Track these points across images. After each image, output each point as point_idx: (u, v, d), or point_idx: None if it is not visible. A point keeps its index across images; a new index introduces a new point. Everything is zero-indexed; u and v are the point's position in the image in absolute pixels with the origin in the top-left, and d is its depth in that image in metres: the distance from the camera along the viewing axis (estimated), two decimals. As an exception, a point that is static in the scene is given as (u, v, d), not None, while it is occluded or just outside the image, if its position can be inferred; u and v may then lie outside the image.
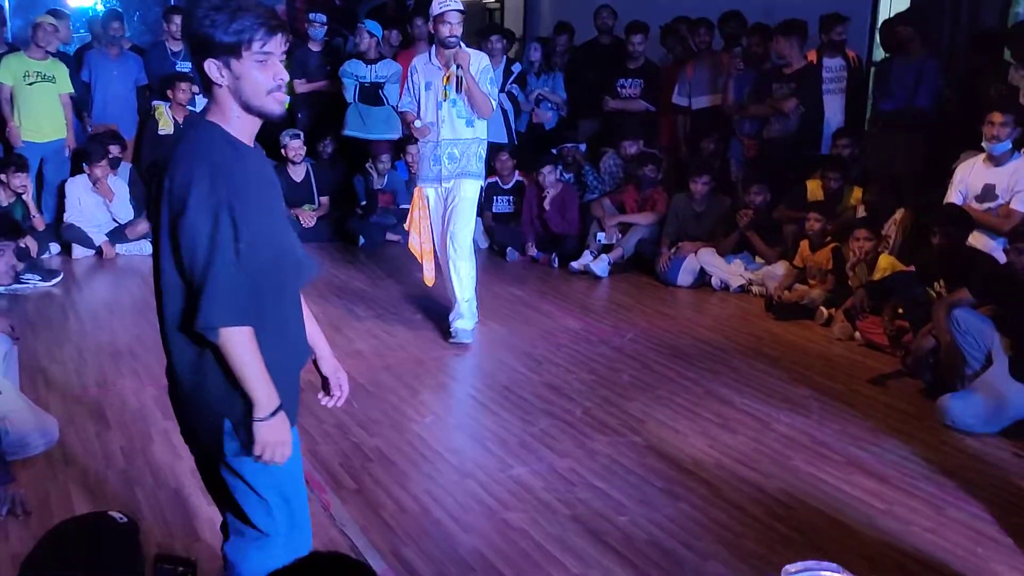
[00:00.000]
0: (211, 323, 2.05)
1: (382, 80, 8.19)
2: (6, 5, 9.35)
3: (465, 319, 5.55)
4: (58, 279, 6.57)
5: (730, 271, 6.90)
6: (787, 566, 1.57)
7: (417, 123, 5.48)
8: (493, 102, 5.43)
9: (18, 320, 4.11)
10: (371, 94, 8.22)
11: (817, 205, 6.48)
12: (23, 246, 6.04)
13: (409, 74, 5.58)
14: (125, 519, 1.76)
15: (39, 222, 7.19)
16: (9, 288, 5.44)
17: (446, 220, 5.53)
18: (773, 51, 7.24)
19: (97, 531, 1.63)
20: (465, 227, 5.52)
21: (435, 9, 5.26)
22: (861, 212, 6.49)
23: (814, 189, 6.88)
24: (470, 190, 5.52)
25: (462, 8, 5.32)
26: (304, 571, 1.53)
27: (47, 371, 4.73)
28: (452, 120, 5.39)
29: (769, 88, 7.16)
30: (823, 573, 1.49)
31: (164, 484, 3.69)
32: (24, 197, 7.03)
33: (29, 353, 4.53)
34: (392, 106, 8.27)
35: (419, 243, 5.73)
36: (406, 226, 5.93)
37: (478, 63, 5.36)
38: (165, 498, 3.57)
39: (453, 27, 5.24)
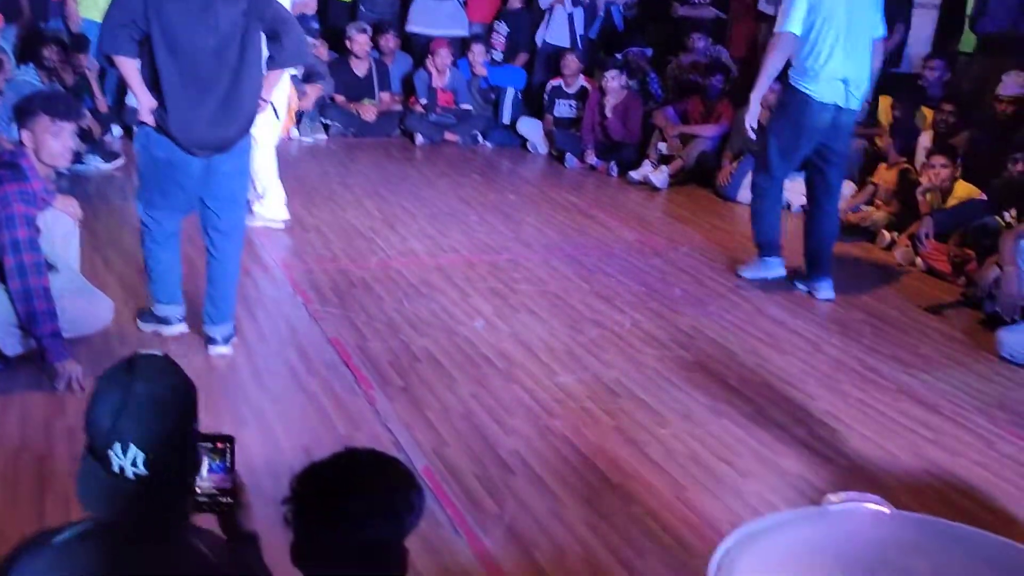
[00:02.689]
0: None
1: (449, -27, 8.03)
2: None
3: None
4: (119, 161, 6.64)
5: (792, 188, 6.72)
6: (829, 495, 1.54)
7: None
8: None
9: (79, 201, 4.15)
10: (437, -12, 8.08)
11: (893, 126, 6.26)
12: (85, 127, 6.10)
13: None
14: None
15: (102, 104, 7.23)
16: (70, 169, 5.50)
17: None
18: None
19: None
20: None
21: None
22: (926, 138, 6.25)
23: (885, 107, 6.65)
24: None
25: None
26: (340, 465, 1.54)
27: (106, 253, 4.81)
28: None
29: None
30: (866, 504, 1.47)
31: (213, 369, 3.77)
32: (88, 74, 7.06)
33: (89, 234, 4.61)
34: (459, 1, 8.12)
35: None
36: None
37: None
38: (213, 383, 3.65)
39: None
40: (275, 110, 4.72)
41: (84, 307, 3.82)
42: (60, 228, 3.93)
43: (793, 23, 4.68)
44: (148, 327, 4.04)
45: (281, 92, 5.50)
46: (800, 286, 5.12)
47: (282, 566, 1.56)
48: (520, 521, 2.90)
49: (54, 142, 3.48)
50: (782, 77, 4.94)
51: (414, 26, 8.25)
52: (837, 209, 5.22)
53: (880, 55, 5.01)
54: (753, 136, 5.04)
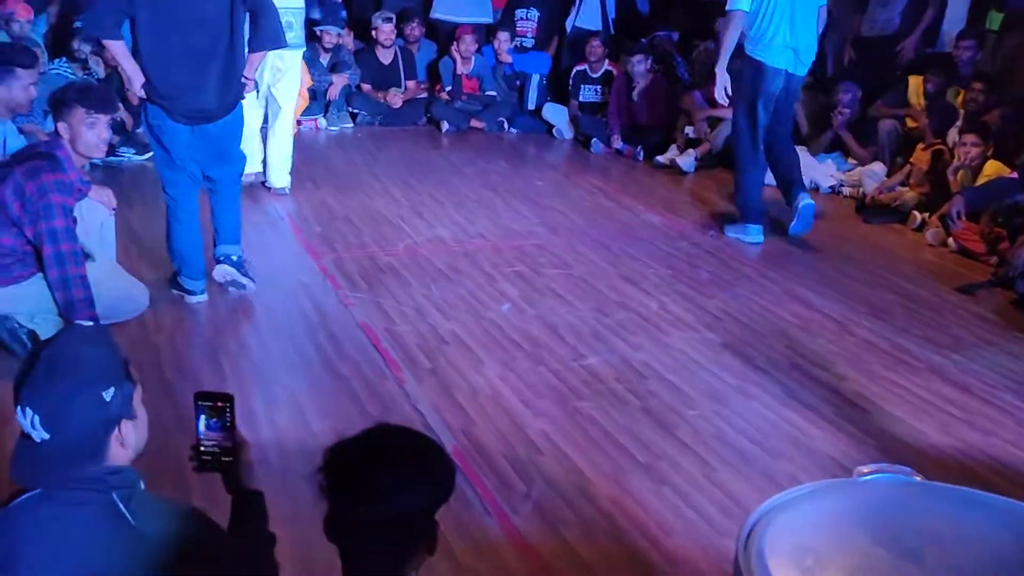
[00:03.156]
0: None
1: (472, -40, 8.04)
2: None
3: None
4: (151, 153, 6.70)
5: (821, 171, 6.70)
6: (859, 467, 1.55)
7: None
8: None
9: (113, 192, 4.23)
10: (461, -25, 8.09)
11: (930, 106, 6.20)
12: (118, 119, 6.18)
13: None
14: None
15: (134, 96, 7.30)
16: (104, 160, 5.58)
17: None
18: None
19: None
20: None
21: None
22: (959, 118, 6.19)
23: (916, 87, 6.59)
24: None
25: None
26: (372, 438, 1.57)
27: (141, 241, 4.88)
28: None
29: None
30: (896, 475, 1.48)
31: (246, 354, 3.82)
32: (120, 70, 7.13)
33: (124, 224, 4.68)
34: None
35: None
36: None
37: None
38: (246, 366, 3.70)
39: None
40: (257, 87, 5.15)
41: (120, 294, 3.90)
42: (96, 218, 4.02)
43: (742, 1, 5.13)
44: (175, 291, 4.29)
45: (293, 74, 5.88)
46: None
47: (318, 542, 1.59)
48: (548, 500, 2.92)
49: (90, 133, 3.55)
50: (738, 49, 5.35)
51: (439, 13, 8.27)
52: (790, 138, 5.77)
53: (824, 21, 5.48)
54: (726, 103, 5.54)
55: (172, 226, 4.21)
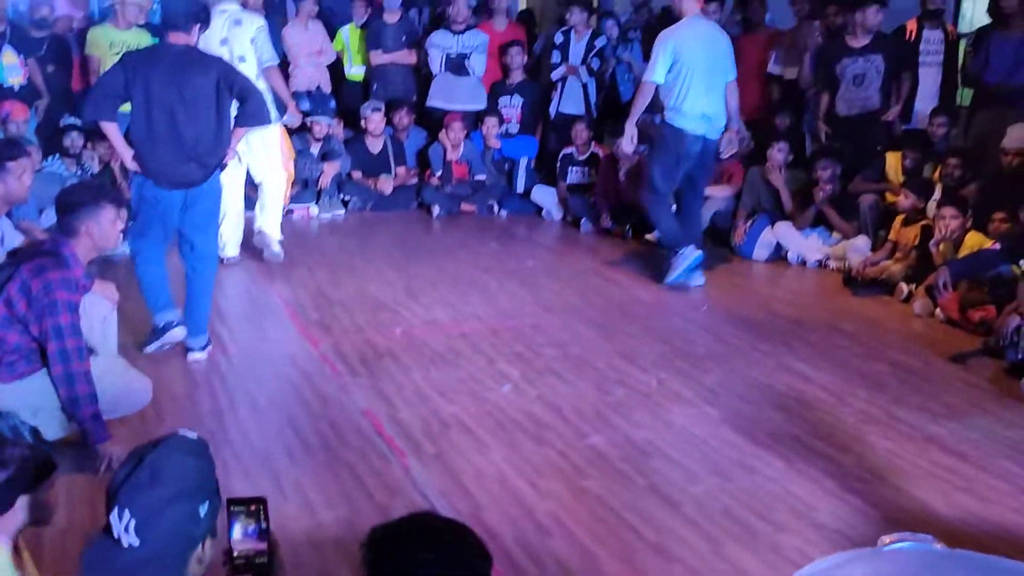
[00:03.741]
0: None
1: (468, 51, 8.27)
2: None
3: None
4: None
5: (807, 245, 6.83)
6: (883, 537, 1.59)
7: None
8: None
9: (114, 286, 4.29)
10: (457, 65, 8.30)
11: (908, 182, 6.37)
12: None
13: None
14: None
15: (126, 190, 7.40)
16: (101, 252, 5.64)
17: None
18: (862, 23, 7.01)
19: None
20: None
21: None
22: (936, 191, 6.35)
23: (894, 163, 6.76)
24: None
25: None
26: (414, 522, 1.61)
27: (141, 335, 4.90)
28: None
29: (835, 63, 7.02)
30: (919, 544, 1.52)
31: (250, 445, 3.83)
32: (112, 165, 7.25)
33: (124, 317, 4.71)
34: (478, 77, 8.35)
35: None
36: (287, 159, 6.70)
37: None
38: (251, 459, 3.71)
39: None
40: (239, 157, 5.82)
41: (123, 389, 3.92)
42: (98, 312, 4.05)
43: (656, 74, 5.81)
44: (152, 347, 4.66)
45: (271, 148, 6.41)
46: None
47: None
48: (561, 582, 2.93)
49: (114, 228, 3.67)
50: (660, 116, 6.07)
51: (435, 101, 8.47)
52: (701, 200, 6.55)
53: (735, 95, 6.09)
54: (630, 151, 6.51)
55: (139, 266, 4.67)
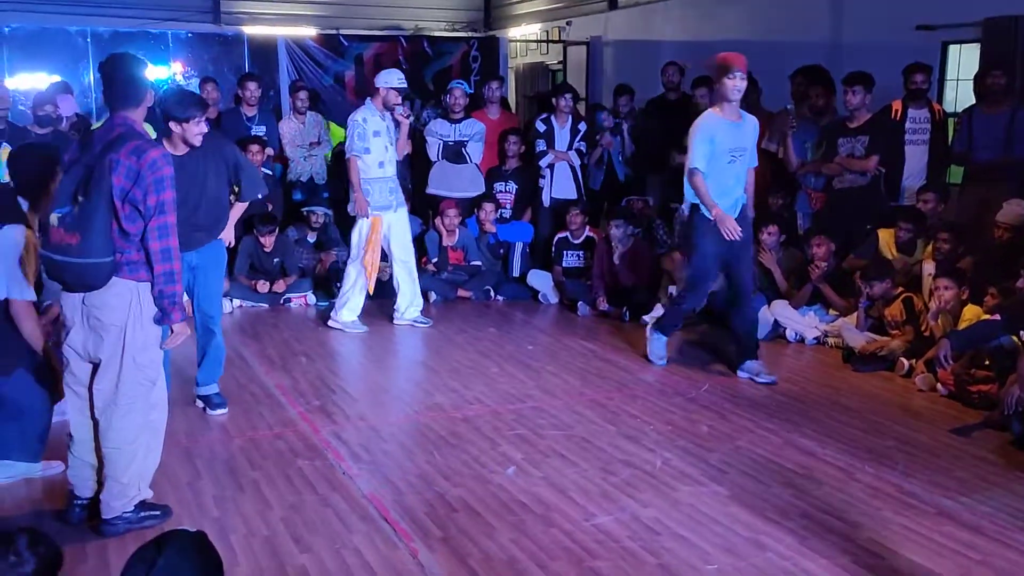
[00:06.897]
0: None
1: (465, 139, 8.42)
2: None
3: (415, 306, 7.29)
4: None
5: (805, 323, 6.85)
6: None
7: None
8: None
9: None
10: (455, 152, 8.43)
11: (875, 266, 6.46)
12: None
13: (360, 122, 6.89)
14: None
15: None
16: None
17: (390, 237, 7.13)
18: (846, 103, 7.18)
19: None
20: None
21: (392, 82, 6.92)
22: (929, 266, 6.41)
23: (887, 239, 6.84)
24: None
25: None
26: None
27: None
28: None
29: (835, 143, 7.16)
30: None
31: (256, 532, 3.76)
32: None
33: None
34: (476, 164, 8.48)
35: (371, 260, 7.05)
36: (366, 248, 7.05)
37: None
38: (258, 545, 3.64)
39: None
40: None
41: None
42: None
43: (700, 160, 5.67)
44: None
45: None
46: (742, 374, 5.98)
47: None
48: (577, 666, 2.85)
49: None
50: (692, 207, 5.89)
51: (434, 189, 8.58)
52: (752, 299, 6.17)
53: (752, 181, 6.03)
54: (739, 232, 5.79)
55: None
